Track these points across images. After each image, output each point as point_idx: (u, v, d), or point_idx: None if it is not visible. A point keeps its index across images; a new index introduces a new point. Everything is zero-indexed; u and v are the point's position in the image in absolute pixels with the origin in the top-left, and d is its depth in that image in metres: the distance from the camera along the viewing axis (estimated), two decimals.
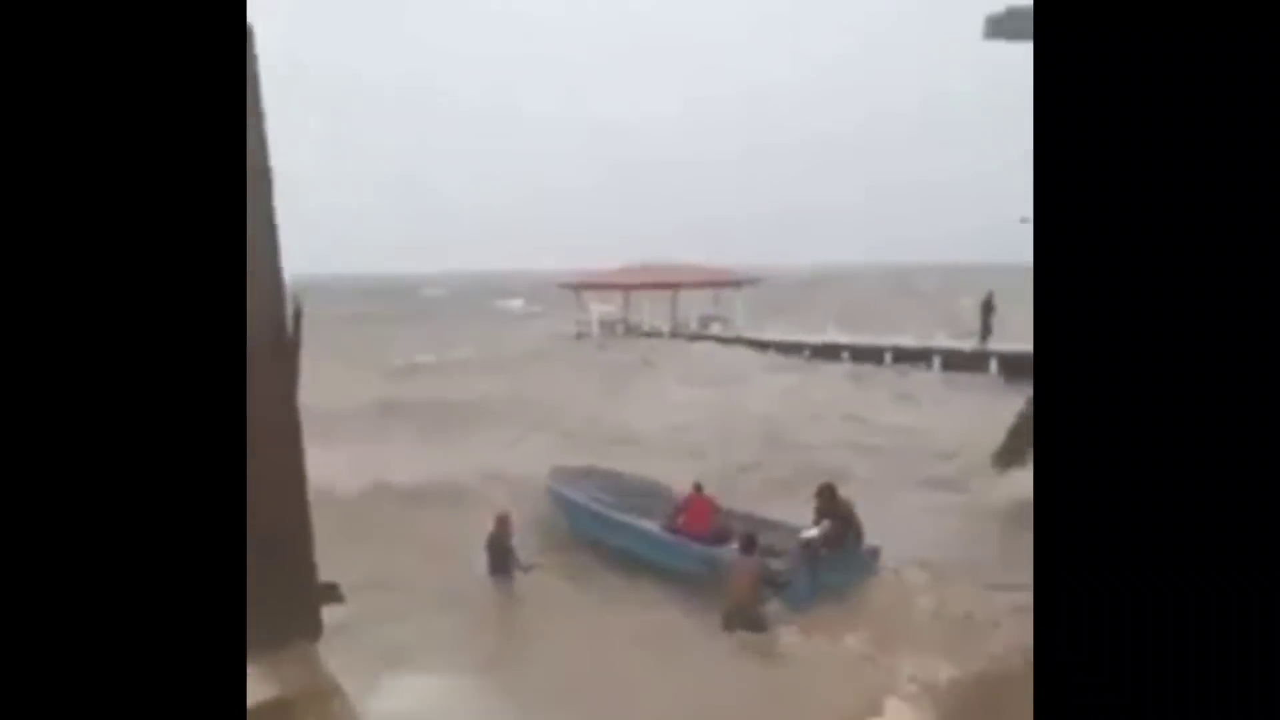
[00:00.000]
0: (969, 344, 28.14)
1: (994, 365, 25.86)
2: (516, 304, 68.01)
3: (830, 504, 10.08)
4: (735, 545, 10.05)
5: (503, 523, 10.75)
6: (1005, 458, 14.40)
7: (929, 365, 27.83)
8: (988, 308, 28.04)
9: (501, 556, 10.53)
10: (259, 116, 5.12)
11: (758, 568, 9.55)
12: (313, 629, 5.94)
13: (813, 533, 9.89)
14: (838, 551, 9.81)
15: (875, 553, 10.00)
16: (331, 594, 6.14)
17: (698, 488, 11.63)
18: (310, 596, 5.95)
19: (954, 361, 27.37)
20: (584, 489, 12.90)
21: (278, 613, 5.75)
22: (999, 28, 13.82)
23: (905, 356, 28.91)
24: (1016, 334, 25.74)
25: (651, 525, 11.47)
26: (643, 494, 12.89)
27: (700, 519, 11.21)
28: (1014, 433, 14.59)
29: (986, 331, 27.96)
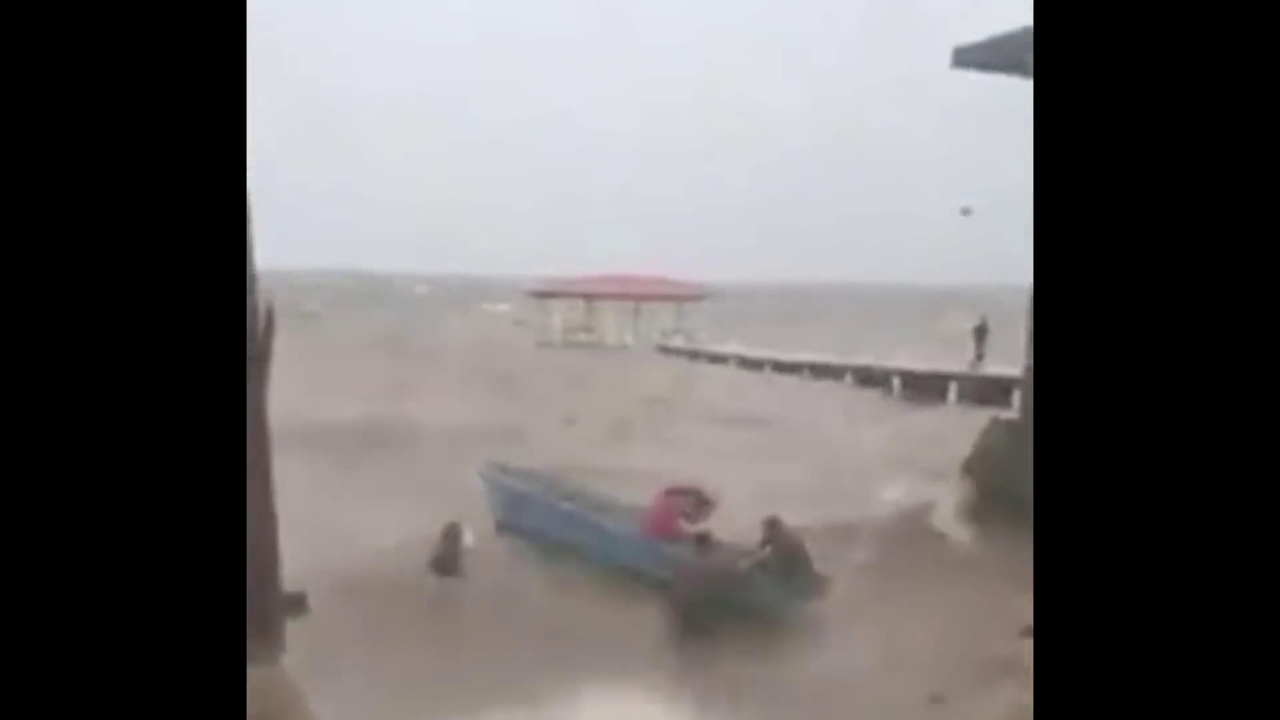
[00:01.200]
0: (964, 366, 28.13)
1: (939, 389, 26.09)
2: (503, 308, 66.76)
3: (776, 535, 10.27)
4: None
5: (450, 535, 10.43)
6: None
7: (888, 388, 28.03)
8: (981, 332, 28.12)
9: (449, 564, 10.30)
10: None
11: (708, 568, 9.80)
12: (277, 643, 5.83)
13: (762, 554, 10.12)
14: (789, 575, 10.00)
15: (826, 580, 10.14)
16: (297, 605, 6.03)
17: (669, 492, 11.49)
18: (274, 607, 5.84)
19: (913, 383, 27.57)
20: (520, 484, 12.63)
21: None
22: (966, 58, 14.01)
23: (866, 377, 29.12)
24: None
25: (616, 524, 11.41)
26: (571, 496, 12.59)
27: (667, 518, 11.20)
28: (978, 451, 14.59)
29: (979, 355, 27.99)
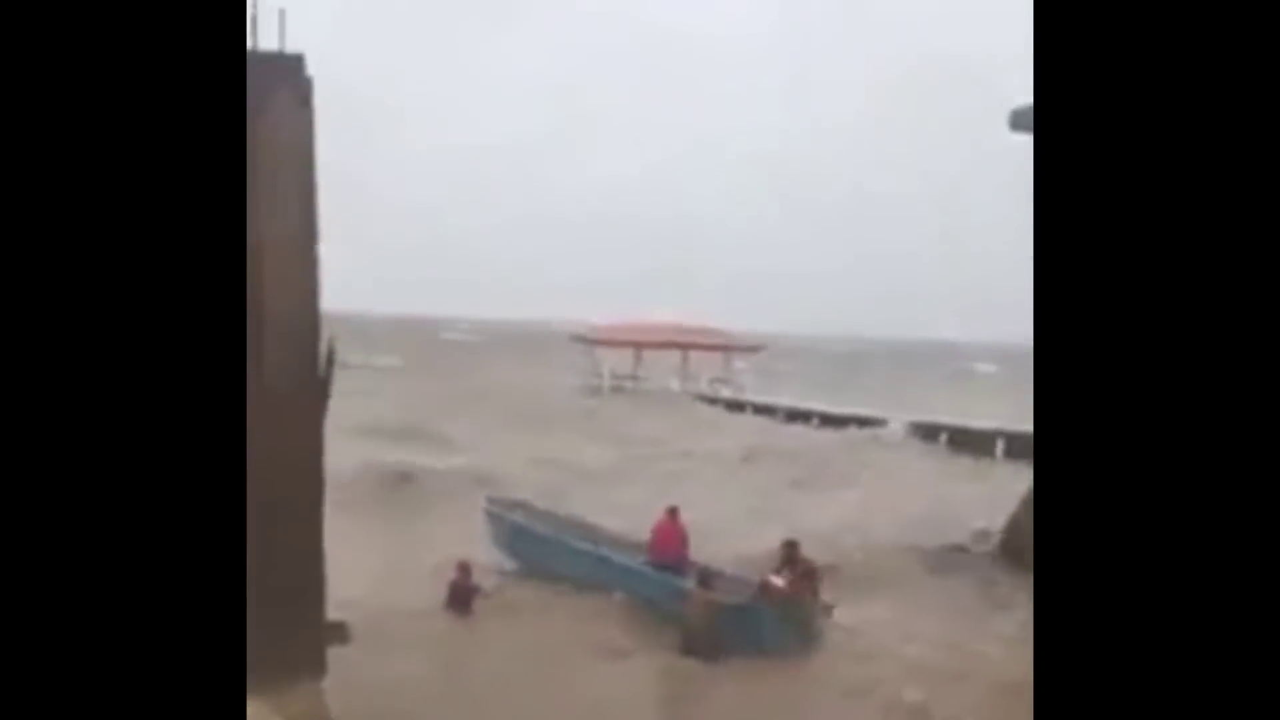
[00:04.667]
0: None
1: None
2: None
3: (792, 557, 10.43)
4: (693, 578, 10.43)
5: (464, 569, 10.81)
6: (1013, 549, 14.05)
7: (935, 442, 27.74)
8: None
9: (463, 600, 10.61)
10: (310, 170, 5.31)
11: (714, 600, 9.91)
12: (318, 667, 6.01)
13: (777, 580, 10.17)
14: (800, 600, 10.09)
15: (828, 609, 10.26)
16: (338, 634, 6.22)
17: (672, 512, 11.65)
18: (317, 635, 6.03)
19: (959, 438, 27.27)
20: (523, 519, 12.81)
21: (285, 651, 5.81)
22: (1024, 120, 14.06)
23: (915, 432, 28.86)
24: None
25: (619, 553, 11.56)
26: (575, 531, 12.76)
27: (671, 542, 11.34)
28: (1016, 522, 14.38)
29: None
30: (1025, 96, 13.80)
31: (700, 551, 11.53)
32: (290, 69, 5.15)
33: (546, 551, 11.98)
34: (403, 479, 17.23)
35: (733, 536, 13.30)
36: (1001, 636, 10.13)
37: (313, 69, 5.34)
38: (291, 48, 5.29)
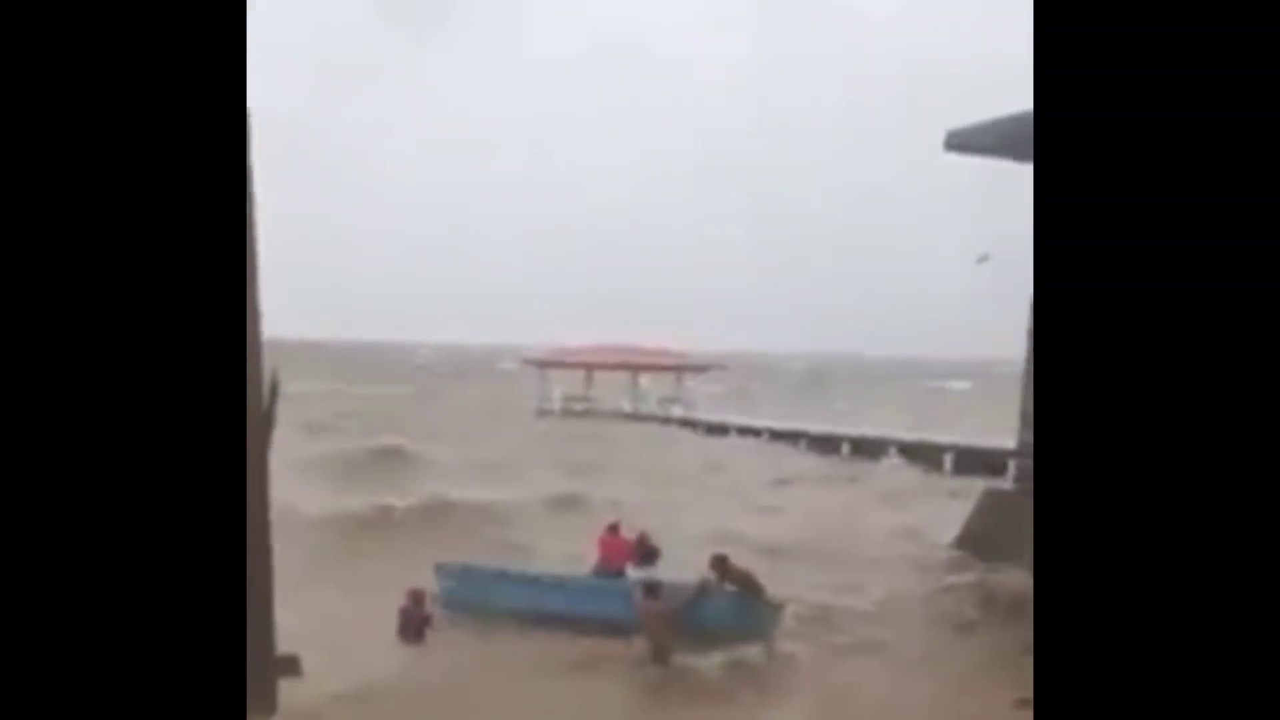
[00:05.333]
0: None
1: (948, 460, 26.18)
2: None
3: (723, 570, 10.64)
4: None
5: (415, 597, 10.63)
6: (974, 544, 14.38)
7: (885, 456, 28.08)
8: None
9: (416, 626, 10.43)
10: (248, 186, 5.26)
11: (666, 609, 10.02)
12: (268, 704, 5.88)
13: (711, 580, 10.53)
14: (746, 600, 10.42)
15: (780, 608, 10.54)
16: (290, 667, 6.11)
17: (613, 528, 11.95)
18: (269, 669, 5.91)
19: (907, 451, 27.65)
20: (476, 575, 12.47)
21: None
22: (959, 141, 14.41)
23: (862, 448, 29.17)
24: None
25: (568, 574, 11.63)
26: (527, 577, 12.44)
27: (619, 556, 11.61)
28: (972, 522, 14.71)
29: None
30: (976, 115, 14.26)
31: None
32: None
33: (491, 590, 11.77)
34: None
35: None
36: None
37: (275, 102, 5.30)
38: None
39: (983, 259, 29.53)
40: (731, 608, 10.30)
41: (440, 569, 12.31)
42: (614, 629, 10.15)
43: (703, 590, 10.38)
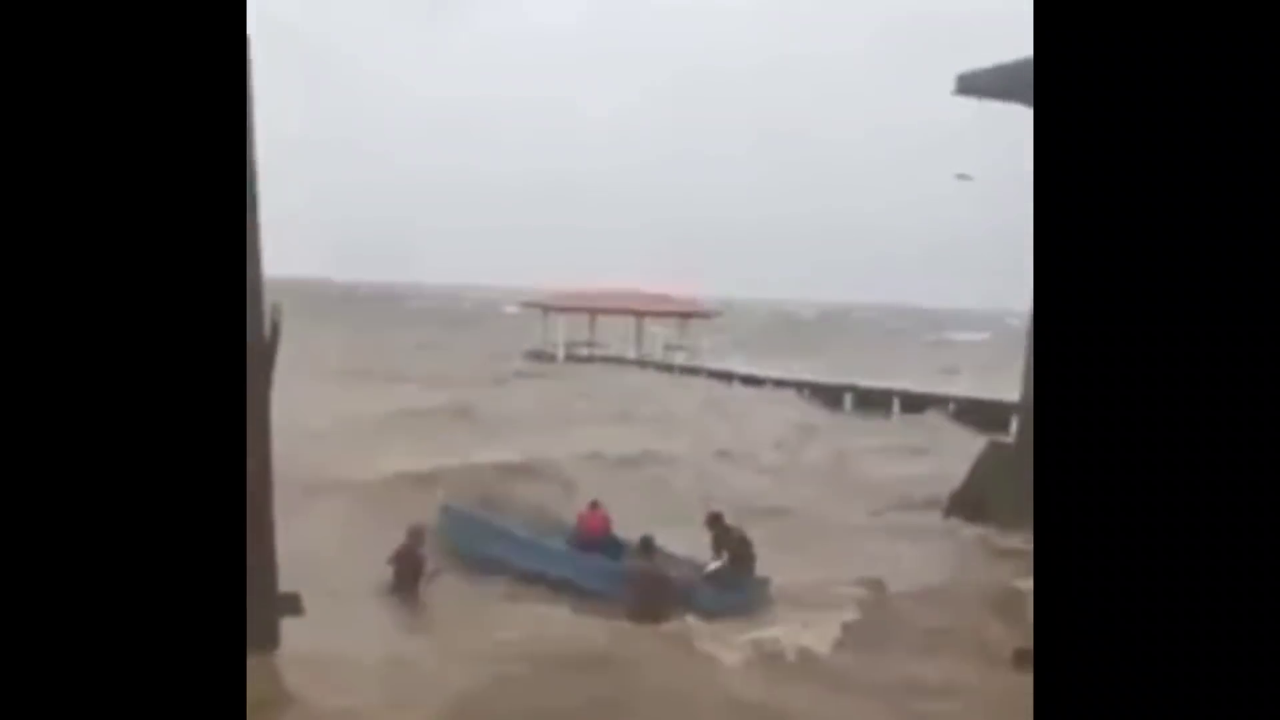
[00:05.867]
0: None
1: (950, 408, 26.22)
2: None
3: (723, 532, 10.58)
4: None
5: (416, 535, 10.55)
6: (966, 506, 14.45)
7: (888, 409, 28.12)
8: None
9: (411, 569, 10.32)
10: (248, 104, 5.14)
11: (658, 573, 10.00)
12: (270, 639, 5.92)
13: (715, 566, 10.38)
14: (738, 577, 10.32)
15: (765, 582, 10.42)
16: (292, 605, 6.13)
17: (594, 505, 12.01)
18: (270, 607, 5.94)
19: (911, 404, 27.67)
20: (479, 515, 12.74)
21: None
22: (969, 84, 14.22)
23: (865, 399, 29.20)
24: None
25: (559, 544, 11.67)
26: (532, 521, 12.78)
27: (597, 531, 11.70)
28: (974, 476, 14.71)
29: None
30: (983, 59, 14.13)
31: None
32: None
33: (484, 538, 11.92)
34: None
35: None
36: None
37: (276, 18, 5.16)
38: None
39: (963, 177, 29.97)
40: (723, 590, 10.18)
41: (446, 511, 12.45)
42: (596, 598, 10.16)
43: (707, 577, 10.27)
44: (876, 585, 10.59)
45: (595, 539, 11.61)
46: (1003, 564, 11.64)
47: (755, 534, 10.96)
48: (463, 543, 11.93)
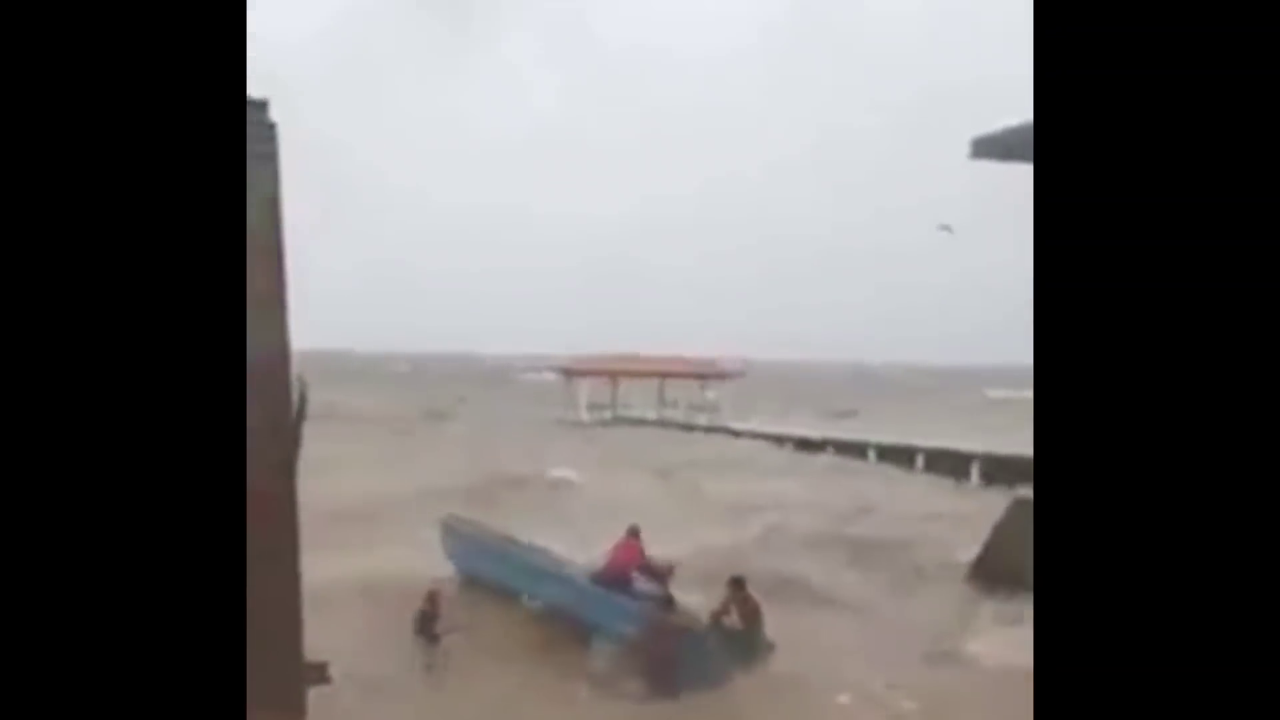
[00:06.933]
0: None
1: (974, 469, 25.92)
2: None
3: (739, 594, 10.55)
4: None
5: (433, 600, 10.64)
6: (988, 571, 14.15)
7: (911, 463, 27.87)
8: None
9: (427, 633, 10.43)
10: (276, 193, 5.32)
11: (674, 624, 10.01)
12: (297, 709, 5.94)
13: (729, 618, 10.40)
14: (747, 635, 10.28)
15: (770, 646, 10.35)
16: (318, 674, 6.15)
17: (634, 533, 11.54)
18: (296, 675, 5.96)
19: (936, 462, 27.38)
20: (483, 542, 12.56)
21: (263, 691, 5.72)
22: (984, 149, 14.32)
23: (888, 454, 28.97)
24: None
25: (582, 578, 11.39)
26: (534, 559, 12.52)
27: (630, 560, 11.27)
28: (997, 540, 14.47)
29: None
30: (997, 123, 14.21)
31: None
32: (253, 115, 5.15)
33: (494, 566, 11.83)
34: None
35: None
36: None
37: (280, 116, 5.35)
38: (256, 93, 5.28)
39: (944, 228, 30.24)
40: (727, 650, 10.07)
41: (448, 526, 12.46)
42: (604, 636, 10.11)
43: (715, 634, 10.20)
44: None
45: (623, 571, 11.17)
46: None
47: None
48: (462, 561, 11.95)
